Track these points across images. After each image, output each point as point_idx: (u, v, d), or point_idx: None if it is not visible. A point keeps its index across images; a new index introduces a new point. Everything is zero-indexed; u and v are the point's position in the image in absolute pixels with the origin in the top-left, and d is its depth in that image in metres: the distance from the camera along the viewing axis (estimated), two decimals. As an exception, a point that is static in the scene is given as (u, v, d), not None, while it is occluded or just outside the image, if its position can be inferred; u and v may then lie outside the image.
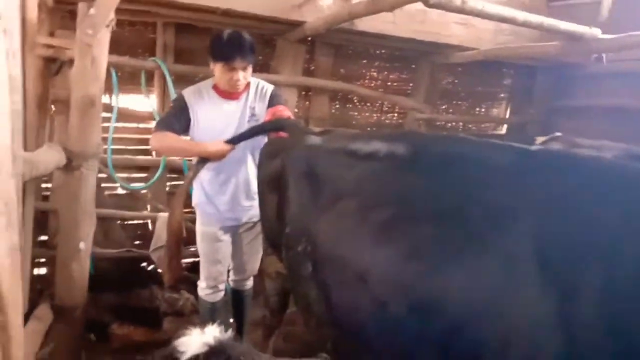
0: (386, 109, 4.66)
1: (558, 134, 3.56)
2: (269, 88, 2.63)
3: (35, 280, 3.23)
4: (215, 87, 2.54)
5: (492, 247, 1.38)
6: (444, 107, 4.93)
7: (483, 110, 5.22)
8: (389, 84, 4.59)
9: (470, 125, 5.16)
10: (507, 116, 5.32)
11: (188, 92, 2.53)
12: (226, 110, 2.56)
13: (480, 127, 5.25)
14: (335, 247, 1.71)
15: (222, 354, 1.29)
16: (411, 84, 4.63)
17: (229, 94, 2.53)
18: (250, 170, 2.66)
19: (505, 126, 5.38)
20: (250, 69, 2.47)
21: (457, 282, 1.39)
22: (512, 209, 1.41)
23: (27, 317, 2.02)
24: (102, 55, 2.00)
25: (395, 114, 4.71)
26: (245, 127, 2.55)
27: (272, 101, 2.57)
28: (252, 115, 2.58)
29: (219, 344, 1.34)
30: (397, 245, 1.53)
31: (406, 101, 4.46)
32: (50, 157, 1.76)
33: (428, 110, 4.47)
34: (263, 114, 2.55)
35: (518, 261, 1.33)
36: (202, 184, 2.66)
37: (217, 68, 2.41)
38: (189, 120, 2.50)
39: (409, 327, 1.45)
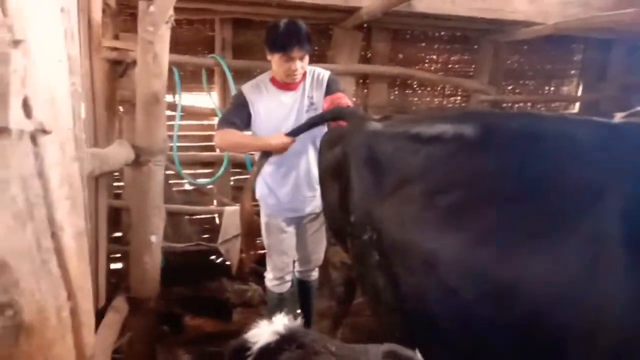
0: (448, 92, 4.50)
1: (638, 108, 3.29)
2: (325, 74, 2.60)
3: (110, 274, 3.40)
4: (272, 80, 2.55)
5: (574, 228, 1.30)
6: (510, 87, 4.71)
7: (552, 89, 4.94)
8: (450, 66, 4.43)
9: (539, 106, 4.88)
10: (579, 94, 4.99)
11: (247, 88, 2.55)
12: (285, 101, 2.56)
13: (549, 107, 4.96)
14: (401, 233, 1.66)
15: (293, 342, 1.28)
16: (474, 65, 4.44)
17: (286, 85, 2.52)
18: (311, 161, 2.64)
19: (577, 105, 5.05)
20: (307, 59, 2.45)
21: (536, 266, 1.31)
22: (597, 187, 1.31)
23: (105, 310, 2.12)
24: (164, 51, 2.04)
25: (458, 97, 4.55)
26: (304, 116, 2.54)
27: (330, 88, 2.54)
28: (311, 104, 2.56)
29: (289, 332, 1.33)
30: (467, 229, 1.47)
31: (469, 83, 4.28)
32: (119, 153, 1.82)
33: (493, 92, 4.26)
34: (321, 102, 2.52)
35: (604, 242, 1.24)
36: (264, 177, 2.68)
37: (274, 59, 2.41)
38: (249, 115, 2.52)
39: (482, 315, 1.39)
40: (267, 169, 2.63)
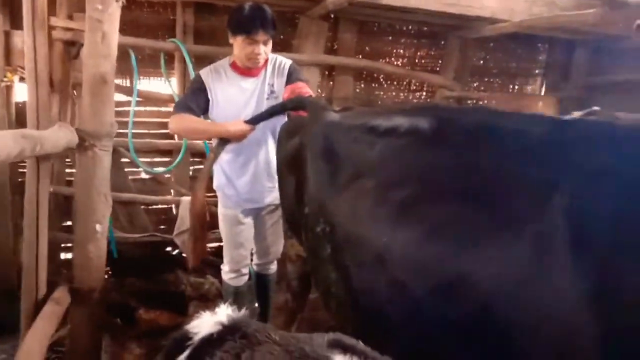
0: (414, 87, 4.50)
1: (596, 108, 3.34)
2: (287, 63, 2.55)
3: (61, 265, 3.27)
4: (233, 65, 2.48)
5: (524, 226, 1.28)
6: (475, 84, 4.74)
7: (517, 87, 5.00)
8: (417, 61, 4.42)
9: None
10: (542, 93, 5.07)
11: (205, 72, 2.48)
12: (245, 87, 2.50)
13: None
14: (353, 227, 1.64)
15: (236, 332, 1.25)
16: (440, 61, 4.45)
17: (247, 70, 2.46)
18: (271, 151, 2.59)
19: (540, 104, 5.13)
20: (270, 44, 2.40)
21: (484, 263, 1.30)
22: (547, 184, 1.29)
23: (46, 301, 2.01)
24: (113, 31, 1.94)
25: (424, 93, 4.55)
26: (264, 104, 2.48)
27: (291, 77, 2.49)
28: (272, 92, 2.51)
29: (232, 322, 1.30)
30: (418, 225, 1.44)
31: (435, 78, 4.29)
32: (59, 136, 1.71)
33: (458, 88, 4.28)
34: (282, 91, 2.47)
35: (551, 241, 1.22)
36: (222, 166, 2.61)
37: (237, 42, 2.35)
38: (207, 100, 2.45)
39: (430, 311, 1.37)
40: (225, 157, 2.56)
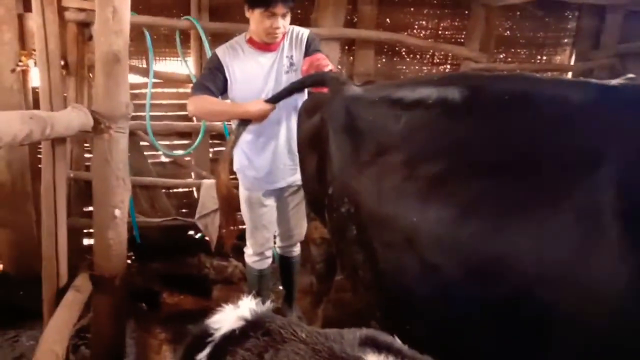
0: (437, 60, 4.34)
1: (631, 75, 3.15)
2: (305, 33, 2.46)
3: (83, 251, 3.27)
4: (250, 41, 2.40)
5: (566, 201, 1.20)
6: (501, 55, 4.54)
7: (545, 57, 4.79)
8: (440, 32, 4.24)
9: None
10: (572, 63, 4.86)
11: (222, 50, 2.41)
12: (263, 63, 2.42)
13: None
14: (379, 206, 1.57)
15: (260, 328, 1.18)
16: (464, 32, 4.25)
17: (265, 45, 2.38)
18: (292, 130, 2.51)
19: (569, 74, 4.92)
20: (289, 17, 2.31)
21: (524, 242, 1.22)
22: (593, 154, 1.19)
23: (67, 288, 1.99)
24: (124, 5, 1.86)
25: (448, 65, 4.39)
26: (284, 78, 2.41)
27: (309, 48, 2.40)
28: (291, 64, 2.43)
29: (255, 317, 1.23)
30: (450, 202, 1.36)
31: (460, 50, 4.10)
32: (72, 117, 1.65)
33: (484, 60, 4.09)
34: (301, 62, 2.37)
35: (598, 215, 1.14)
36: (243, 147, 2.55)
37: (254, 16, 2.27)
38: (225, 79, 2.38)
39: (464, 293, 1.31)
40: (246, 138, 2.50)
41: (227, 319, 1.26)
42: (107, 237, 2.02)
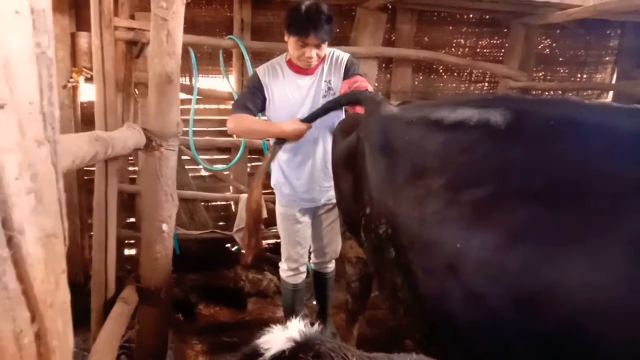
0: (475, 78, 4.32)
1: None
2: (345, 57, 2.47)
3: (125, 261, 3.36)
4: (289, 63, 2.44)
5: (618, 230, 1.15)
6: (541, 74, 4.49)
7: (585, 76, 4.70)
8: (479, 50, 4.24)
9: (570, 94, 4.66)
10: (614, 82, 4.75)
11: (262, 71, 2.46)
12: (301, 85, 2.45)
13: (582, 96, 4.73)
14: (420, 231, 1.52)
15: (310, 350, 1.18)
16: (503, 50, 4.24)
17: (304, 69, 2.40)
18: (329, 150, 2.53)
19: (611, 94, 4.81)
20: (325, 46, 2.32)
21: (575, 271, 1.17)
22: None
23: (115, 299, 2.06)
24: (178, 29, 1.93)
25: (486, 84, 4.36)
26: (321, 102, 2.43)
27: (349, 72, 2.41)
28: (329, 89, 2.45)
29: (305, 339, 1.23)
30: (496, 229, 1.33)
31: (499, 69, 4.07)
32: (128, 137, 1.73)
33: (523, 78, 4.05)
34: (340, 87, 2.39)
35: None
36: (280, 164, 2.59)
37: (290, 42, 2.30)
38: (264, 99, 2.43)
39: (510, 323, 1.26)
40: (283, 156, 2.55)
41: (276, 339, 1.28)
42: (154, 251, 2.09)
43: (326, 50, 2.38)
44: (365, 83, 2.24)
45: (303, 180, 2.55)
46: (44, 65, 0.55)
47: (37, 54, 0.54)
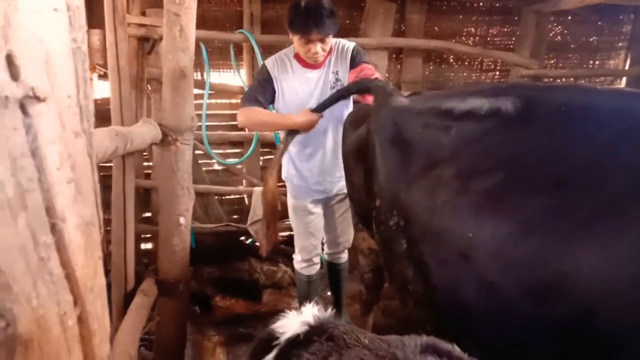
0: (486, 66, 4.30)
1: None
2: (350, 46, 2.46)
3: (142, 255, 3.41)
4: (296, 56, 2.44)
5: (631, 216, 1.15)
6: (552, 61, 4.46)
7: (598, 62, 4.65)
8: (489, 39, 4.22)
9: (582, 81, 4.62)
10: (627, 67, 4.69)
11: (271, 63, 2.46)
12: (310, 77, 2.46)
13: (594, 82, 4.68)
14: (431, 220, 1.51)
15: (323, 333, 1.21)
16: (514, 38, 4.21)
17: (310, 63, 2.41)
18: (338, 140, 2.53)
19: (624, 80, 4.75)
20: (329, 39, 2.31)
21: (587, 259, 1.17)
22: None
23: (134, 292, 2.10)
24: (190, 24, 1.95)
25: (497, 72, 4.34)
26: (328, 93, 2.42)
27: (354, 61, 2.41)
28: (336, 80, 2.45)
29: (319, 323, 1.26)
30: (508, 217, 1.32)
31: (510, 56, 4.04)
32: (145, 132, 1.76)
33: (535, 66, 4.01)
34: (347, 76, 2.41)
35: None
36: (291, 156, 2.61)
37: (294, 39, 2.31)
38: (274, 91, 2.44)
39: (523, 312, 1.26)
40: (293, 148, 2.56)
41: (291, 324, 1.30)
42: (172, 244, 2.12)
43: (332, 41, 2.38)
44: (373, 70, 2.24)
45: (314, 171, 2.57)
46: (79, 60, 0.58)
47: (73, 49, 0.56)
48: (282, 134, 2.57)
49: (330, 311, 1.35)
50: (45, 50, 0.51)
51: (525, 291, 1.25)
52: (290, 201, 2.72)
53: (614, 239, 1.16)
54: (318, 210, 2.68)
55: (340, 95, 2.31)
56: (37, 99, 0.50)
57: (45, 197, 0.52)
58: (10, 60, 0.46)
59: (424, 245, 1.55)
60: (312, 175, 2.58)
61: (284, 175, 2.70)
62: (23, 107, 0.49)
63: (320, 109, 2.34)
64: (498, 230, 1.33)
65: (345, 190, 2.58)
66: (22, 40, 0.48)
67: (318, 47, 2.26)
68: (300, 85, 2.44)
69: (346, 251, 2.92)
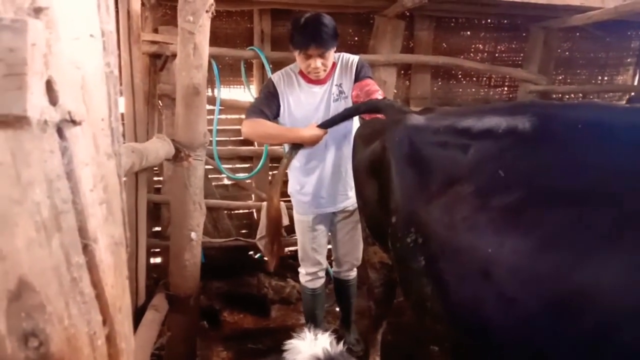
0: (495, 82, 4.31)
1: None
2: (354, 60, 2.48)
3: (151, 269, 3.41)
4: (301, 72, 2.46)
5: None
6: (560, 77, 4.47)
7: (606, 78, 4.66)
8: (497, 55, 4.24)
9: (591, 96, 4.62)
10: (636, 83, 4.69)
11: (277, 77, 2.48)
12: (315, 92, 2.47)
13: (603, 98, 4.68)
14: (451, 238, 1.52)
15: None
16: (522, 54, 4.23)
17: (313, 79, 2.43)
18: (342, 155, 2.54)
19: (632, 94, 4.75)
20: (330, 54, 2.33)
21: (610, 274, 1.16)
22: None
23: (145, 307, 2.10)
24: (204, 42, 1.98)
25: (505, 88, 4.35)
26: (332, 106, 2.44)
27: (359, 74, 2.42)
28: (340, 92, 2.46)
29: (329, 358, 1.25)
30: (528, 233, 1.32)
31: (518, 72, 4.06)
32: (159, 148, 1.77)
33: (543, 82, 4.03)
34: (351, 89, 2.41)
35: None
36: (294, 171, 2.62)
37: (295, 55, 2.34)
38: (279, 105, 2.45)
39: (545, 330, 1.26)
40: (296, 163, 2.56)
41: (301, 355, 1.28)
42: (183, 259, 2.13)
43: (333, 56, 2.40)
44: (376, 86, 2.26)
45: (316, 186, 2.57)
46: (112, 84, 0.59)
47: (107, 73, 0.58)
48: (286, 147, 2.57)
49: (342, 346, 1.34)
50: (82, 75, 0.52)
51: (546, 306, 1.25)
52: (295, 216, 2.72)
53: (634, 254, 1.15)
54: (321, 227, 2.68)
55: (348, 114, 2.33)
56: (74, 122, 0.51)
57: (79, 218, 0.53)
58: (49, 85, 0.48)
59: (443, 262, 1.55)
60: (314, 191, 2.58)
61: (289, 190, 2.71)
62: (60, 131, 0.50)
63: (327, 125, 2.34)
64: (518, 245, 1.33)
65: (351, 207, 2.59)
66: (61, 66, 0.49)
67: (318, 62, 2.28)
68: (306, 99, 2.45)
69: (355, 268, 2.90)
